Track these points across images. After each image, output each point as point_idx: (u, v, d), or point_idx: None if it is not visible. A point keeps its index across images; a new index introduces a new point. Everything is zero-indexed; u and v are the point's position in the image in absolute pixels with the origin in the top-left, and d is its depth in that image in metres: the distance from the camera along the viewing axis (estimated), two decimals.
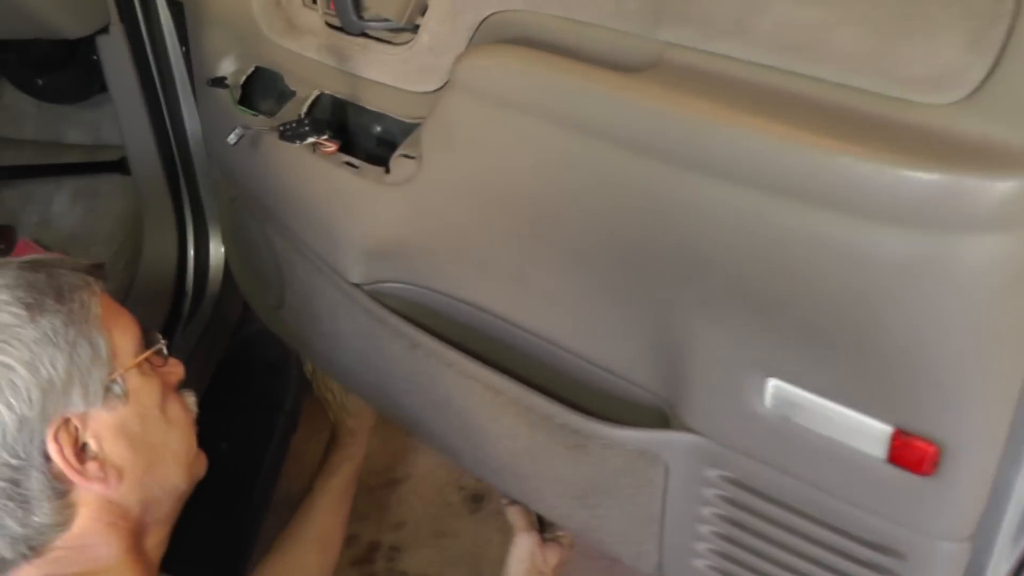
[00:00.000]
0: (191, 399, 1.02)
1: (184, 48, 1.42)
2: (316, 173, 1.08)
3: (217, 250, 1.60)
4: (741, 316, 0.80)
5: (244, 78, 1.18)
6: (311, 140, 1.01)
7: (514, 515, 1.17)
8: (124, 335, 0.93)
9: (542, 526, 1.20)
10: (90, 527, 0.88)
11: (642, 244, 0.83)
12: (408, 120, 1.03)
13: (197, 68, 1.27)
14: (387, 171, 1.02)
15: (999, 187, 0.63)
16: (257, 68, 1.18)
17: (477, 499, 2.21)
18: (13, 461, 0.84)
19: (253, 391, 1.77)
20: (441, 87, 0.99)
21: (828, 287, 0.73)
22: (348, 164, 1.05)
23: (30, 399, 0.84)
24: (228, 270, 1.62)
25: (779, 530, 0.89)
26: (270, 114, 1.15)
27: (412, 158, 0.98)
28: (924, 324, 0.70)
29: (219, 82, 1.13)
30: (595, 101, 0.79)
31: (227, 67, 1.19)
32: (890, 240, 0.68)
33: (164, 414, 0.95)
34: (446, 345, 1.05)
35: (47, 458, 0.85)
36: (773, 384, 0.82)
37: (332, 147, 1.03)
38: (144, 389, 0.93)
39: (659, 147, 0.76)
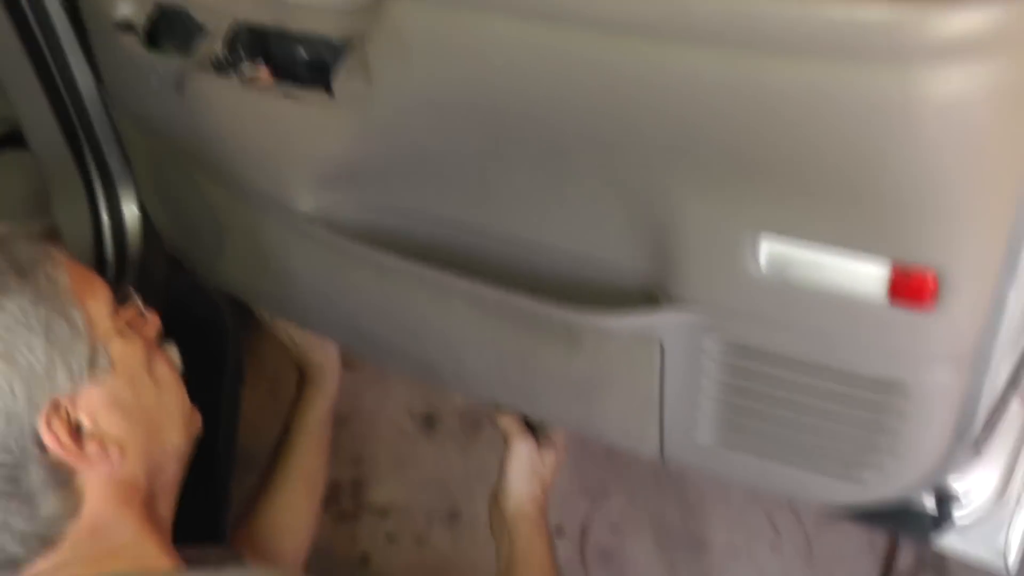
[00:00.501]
0: (174, 352, 0.97)
1: None
2: (252, 107, 1.02)
3: (132, 212, 1.52)
4: (732, 181, 0.80)
5: (146, 19, 1.10)
6: (247, 69, 0.95)
7: (507, 423, 1.16)
8: (96, 300, 0.87)
9: (533, 430, 1.20)
10: (101, 509, 0.84)
11: (625, 126, 0.81)
12: (340, 38, 0.99)
13: (89, 17, 1.18)
14: (330, 94, 0.98)
15: (974, 16, 0.64)
16: (158, 5, 1.10)
17: (430, 422, 2.21)
18: (7, 458, 0.79)
19: (192, 352, 1.71)
20: None
21: (821, 135, 0.73)
22: (285, 93, 1.00)
23: (12, 391, 0.78)
24: (146, 231, 1.55)
25: (781, 387, 0.91)
26: (183, 54, 1.08)
27: (358, 76, 0.94)
28: (915, 157, 0.71)
29: (126, 26, 1.06)
30: None
31: (125, 10, 1.11)
32: (877, 79, 0.68)
33: (152, 375, 0.90)
34: (418, 263, 1.03)
35: (43, 448, 0.80)
36: (767, 242, 0.83)
37: (266, 76, 0.98)
38: (128, 352, 0.88)
39: (640, 23, 0.74)
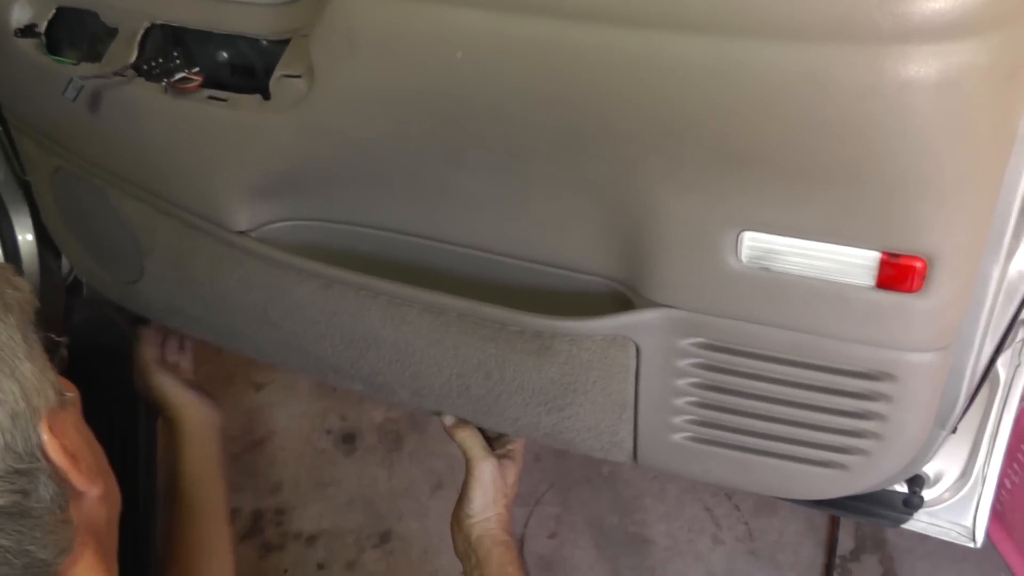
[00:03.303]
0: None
1: None
2: (177, 116, 0.94)
3: (25, 238, 1.40)
4: (712, 175, 0.77)
5: (46, 24, 1.00)
6: (181, 76, 0.86)
7: (468, 440, 1.09)
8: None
9: (490, 443, 1.14)
10: (87, 560, 0.72)
11: (599, 121, 0.77)
12: (269, 38, 0.92)
13: None
14: (265, 98, 0.90)
15: None
16: (59, 10, 1.00)
17: (349, 439, 2.13)
18: (18, 465, 0.66)
19: (100, 382, 1.59)
20: None
21: (812, 122, 0.70)
22: (214, 99, 0.92)
23: (13, 393, 0.67)
24: (41, 257, 1.43)
25: (764, 383, 0.88)
26: (91, 60, 0.98)
27: (298, 76, 0.87)
28: (912, 139, 0.69)
29: (29, 32, 0.95)
30: None
31: (21, 15, 1.01)
32: (872, 59, 0.66)
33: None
34: (370, 276, 0.96)
35: (47, 458, 0.69)
36: (749, 236, 0.80)
37: (196, 81, 0.90)
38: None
39: (618, 10, 0.70)
